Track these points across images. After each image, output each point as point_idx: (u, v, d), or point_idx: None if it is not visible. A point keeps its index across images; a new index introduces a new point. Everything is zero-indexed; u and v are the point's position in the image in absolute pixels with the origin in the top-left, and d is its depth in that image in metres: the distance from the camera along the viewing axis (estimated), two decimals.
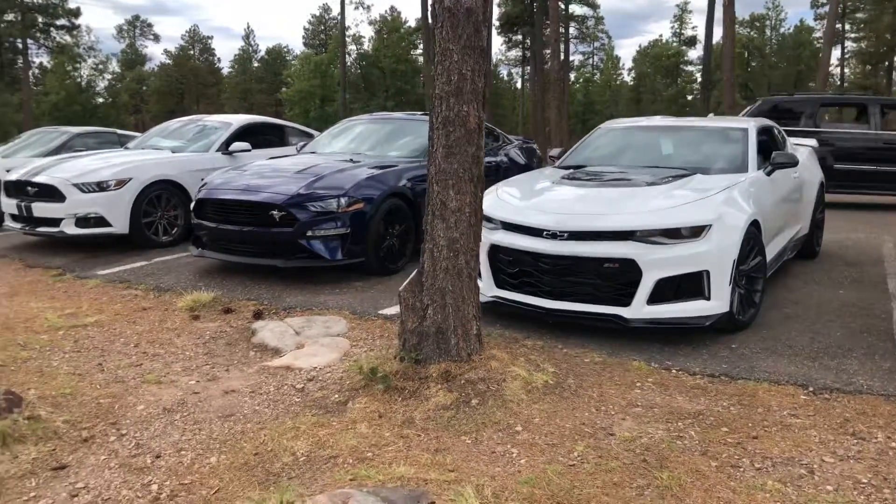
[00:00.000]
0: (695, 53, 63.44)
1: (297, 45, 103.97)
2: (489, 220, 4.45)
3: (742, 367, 3.76)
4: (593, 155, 5.60)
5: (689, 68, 62.10)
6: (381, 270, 5.78)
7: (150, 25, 67.77)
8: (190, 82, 65.03)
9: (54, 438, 3.01)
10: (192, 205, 6.02)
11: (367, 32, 51.10)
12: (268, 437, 3.02)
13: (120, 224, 6.72)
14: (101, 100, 49.68)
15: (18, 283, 5.82)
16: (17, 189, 6.97)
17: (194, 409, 3.36)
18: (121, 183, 6.69)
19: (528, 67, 57.05)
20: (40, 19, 44.85)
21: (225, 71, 68.62)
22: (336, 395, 3.47)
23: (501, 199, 4.70)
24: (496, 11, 50.25)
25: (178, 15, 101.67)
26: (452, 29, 3.36)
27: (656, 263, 3.91)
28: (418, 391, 3.40)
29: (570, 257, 4.07)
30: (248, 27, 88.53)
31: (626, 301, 4.01)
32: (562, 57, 49.48)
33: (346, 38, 39.03)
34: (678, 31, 67.43)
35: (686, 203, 4.14)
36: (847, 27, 48.23)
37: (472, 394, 3.33)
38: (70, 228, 6.67)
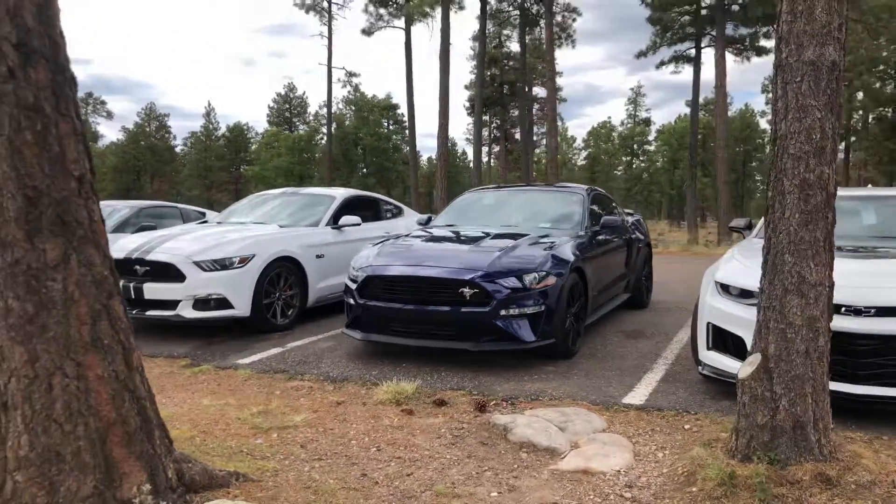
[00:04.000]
0: (650, 135, 66.76)
1: (252, 121, 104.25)
2: (746, 292, 4.06)
3: None
4: None
5: (651, 147, 65.02)
6: (564, 352, 5.25)
7: (103, 102, 66.49)
8: (147, 159, 63.81)
9: None
10: (351, 284, 5.39)
11: (343, 108, 50.96)
12: None
13: (242, 306, 5.98)
14: None
15: (152, 376, 4.99)
16: (122, 269, 6.14)
17: None
18: (244, 260, 6.00)
19: (497, 147, 58.53)
20: None
21: (178, 149, 67.68)
22: None
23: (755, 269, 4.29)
24: (466, 94, 51.90)
25: (123, 94, 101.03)
26: (815, 83, 3.04)
27: None
28: (801, 499, 2.88)
29: (879, 336, 3.68)
30: (209, 105, 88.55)
31: None
32: (534, 137, 50.85)
33: (328, 114, 39.04)
34: (633, 112, 70.85)
35: None
36: None
37: (879, 503, 2.82)
38: (188, 312, 5.89)
